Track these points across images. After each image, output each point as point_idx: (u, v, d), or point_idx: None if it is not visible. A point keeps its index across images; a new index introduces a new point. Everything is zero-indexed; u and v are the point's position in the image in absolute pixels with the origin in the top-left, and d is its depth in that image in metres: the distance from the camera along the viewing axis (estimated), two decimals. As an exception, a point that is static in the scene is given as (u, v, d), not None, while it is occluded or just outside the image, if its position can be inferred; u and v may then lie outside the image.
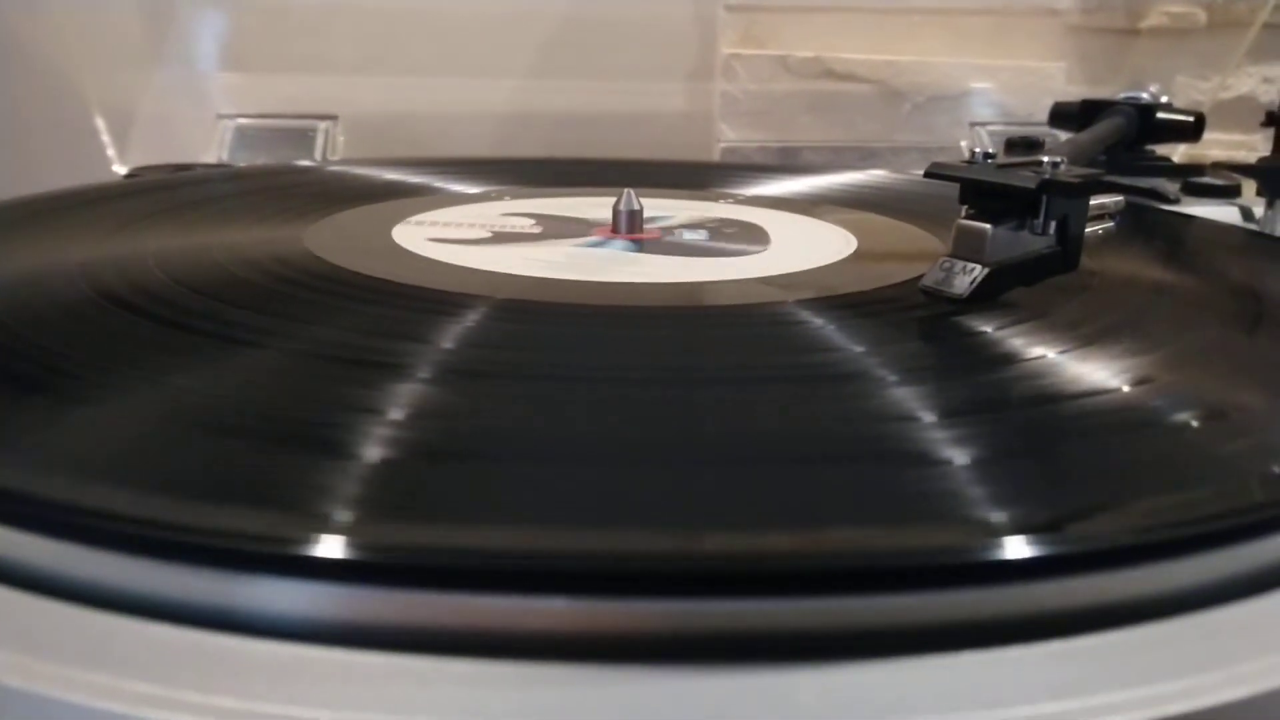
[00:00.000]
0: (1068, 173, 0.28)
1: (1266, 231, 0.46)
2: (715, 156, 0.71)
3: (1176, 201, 0.45)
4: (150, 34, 0.64)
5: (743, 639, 0.16)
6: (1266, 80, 0.72)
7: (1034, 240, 0.28)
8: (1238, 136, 0.67)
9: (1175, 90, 0.70)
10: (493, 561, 0.16)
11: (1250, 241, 0.43)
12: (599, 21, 0.69)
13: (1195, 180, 0.49)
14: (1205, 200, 0.48)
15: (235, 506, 0.18)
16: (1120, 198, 0.30)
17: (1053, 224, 0.28)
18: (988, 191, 0.28)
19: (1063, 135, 0.53)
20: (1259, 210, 0.48)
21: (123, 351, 0.25)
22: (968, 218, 0.28)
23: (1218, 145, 0.63)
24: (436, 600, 0.16)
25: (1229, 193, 0.49)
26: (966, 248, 0.27)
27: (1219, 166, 0.49)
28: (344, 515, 0.17)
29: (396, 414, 0.21)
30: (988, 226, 0.27)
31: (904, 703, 0.15)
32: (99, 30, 0.62)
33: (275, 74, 0.65)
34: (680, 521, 0.18)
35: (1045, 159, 0.28)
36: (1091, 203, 0.29)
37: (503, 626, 0.16)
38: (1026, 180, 0.27)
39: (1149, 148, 0.52)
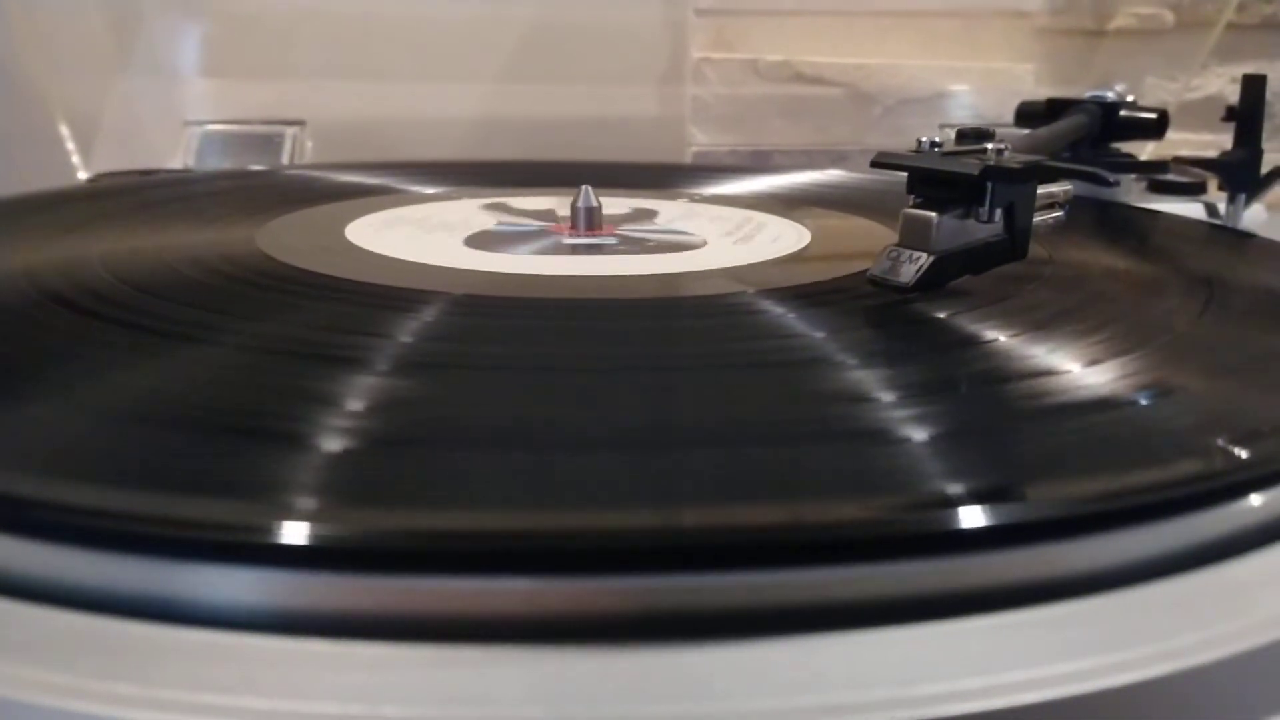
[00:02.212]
0: (1011, 159, 0.28)
1: (1230, 226, 0.46)
2: (687, 160, 0.71)
3: (1116, 185, 0.45)
4: (117, 40, 0.64)
5: (690, 615, 0.16)
6: (1235, 81, 0.72)
7: (981, 229, 0.28)
8: (1207, 137, 0.67)
9: (1144, 91, 0.70)
10: (408, 542, 0.16)
11: (1205, 233, 0.43)
12: (569, 26, 0.68)
13: (1160, 178, 0.49)
14: (1171, 198, 0.48)
15: (148, 493, 0.17)
16: (1069, 186, 0.30)
17: (998, 211, 0.27)
18: (933, 180, 0.28)
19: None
20: (1224, 207, 0.48)
21: (61, 348, 0.24)
22: (915, 207, 0.28)
23: (1187, 146, 0.63)
24: (353, 584, 0.16)
25: (1194, 190, 0.48)
26: (913, 236, 0.27)
27: (1181, 161, 0.49)
28: (251, 500, 0.17)
29: (349, 405, 0.21)
30: (934, 215, 0.27)
31: (820, 679, 0.15)
32: (64, 37, 0.62)
33: (243, 80, 0.65)
34: (604, 500, 0.18)
35: (990, 146, 0.28)
36: (1040, 191, 0.29)
37: (422, 609, 0.15)
38: (970, 167, 0.27)
39: (1114, 146, 0.52)
